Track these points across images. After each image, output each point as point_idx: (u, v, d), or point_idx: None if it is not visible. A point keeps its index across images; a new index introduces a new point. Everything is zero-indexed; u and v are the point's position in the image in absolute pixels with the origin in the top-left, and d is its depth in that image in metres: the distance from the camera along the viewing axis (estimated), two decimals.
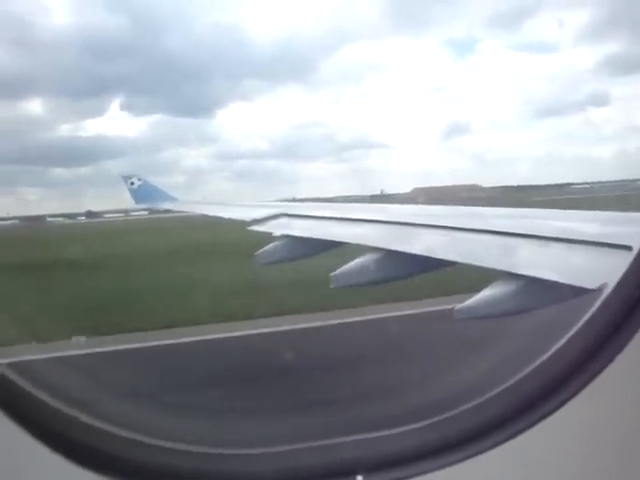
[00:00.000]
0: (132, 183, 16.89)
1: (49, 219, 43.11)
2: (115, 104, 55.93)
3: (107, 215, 46.49)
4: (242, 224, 9.57)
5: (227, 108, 56.03)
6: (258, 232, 8.67)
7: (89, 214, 45.94)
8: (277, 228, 8.32)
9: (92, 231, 37.49)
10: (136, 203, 17.59)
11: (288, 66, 46.20)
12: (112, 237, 31.61)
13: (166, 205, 17.36)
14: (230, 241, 18.95)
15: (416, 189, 29.20)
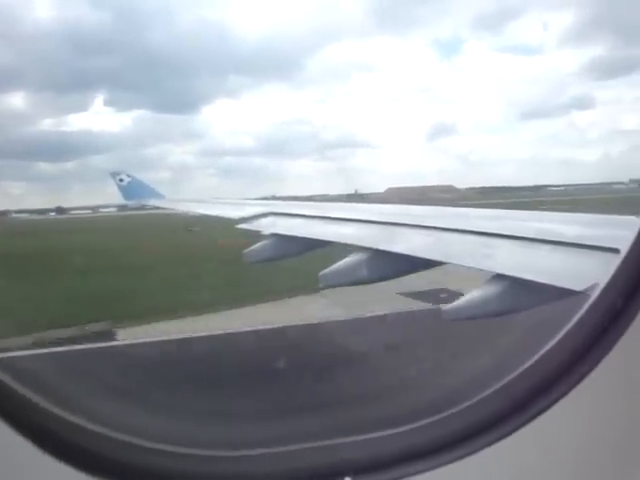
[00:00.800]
0: (121, 180, 16.90)
1: (15, 215, 42.88)
2: (98, 99, 55.40)
3: (74, 212, 46.18)
4: (230, 222, 9.55)
5: (212, 104, 55.76)
6: (247, 230, 8.66)
7: (59, 210, 45.71)
8: (266, 227, 8.29)
9: (48, 227, 37.41)
10: (125, 199, 17.58)
11: (273, 63, 46.25)
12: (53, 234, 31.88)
13: (153, 202, 17.33)
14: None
15: (390, 189, 29.55)
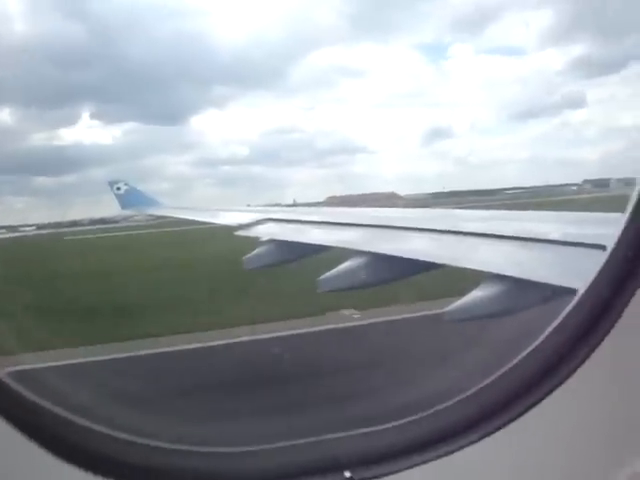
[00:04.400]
0: (118, 188, 16.92)
1: None
2: (85, 113, 55.00)
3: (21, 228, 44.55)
4: (229, 229, 9.62)
5: (199, 115, 55.73)
6: (244, 237, 8.72)
7: (10, 228, 44.64)
8: (263, 233, 8.34)
9: None
10: (122, 208, 17.57)
11: (256, 72, 46.45)
12: None
13: (152, 210, 17.34)
14: None
15: (330, 197, 29.85)
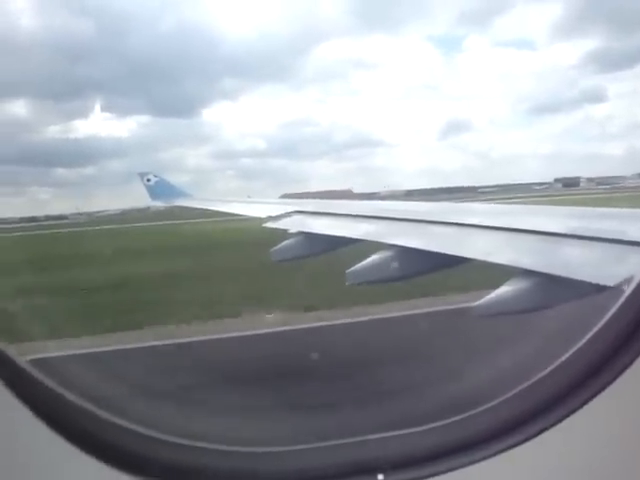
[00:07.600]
0: (148, 180, 17.14)
1: None
2: (97, 106, 55.38)
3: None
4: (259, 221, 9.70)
5: (211, 108, 55.38)
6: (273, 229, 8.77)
7: None
8: (292, 225, 8.39)
9: None
10: (152, 199, 17.78)
11: (265, 65, 46.42)
12: None
13: (181, 201, 17.54)
14: None
15: (285, 194, 29.86)
